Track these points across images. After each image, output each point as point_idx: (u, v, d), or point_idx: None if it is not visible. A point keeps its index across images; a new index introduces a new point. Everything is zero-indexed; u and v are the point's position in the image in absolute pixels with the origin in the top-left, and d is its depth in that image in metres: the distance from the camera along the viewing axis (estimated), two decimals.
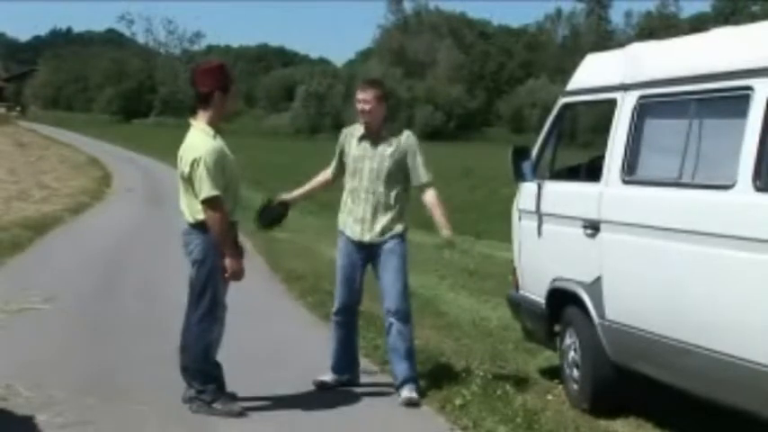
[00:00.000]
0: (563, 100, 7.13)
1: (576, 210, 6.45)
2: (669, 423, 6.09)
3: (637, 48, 6.45)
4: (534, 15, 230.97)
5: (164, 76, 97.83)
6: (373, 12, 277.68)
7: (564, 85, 7.24)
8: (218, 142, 6.14)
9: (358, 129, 6.72)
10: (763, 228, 4.82)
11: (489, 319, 9.46)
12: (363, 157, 6.61)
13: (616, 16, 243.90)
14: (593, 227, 6.21)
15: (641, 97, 6.06)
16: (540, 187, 6.90)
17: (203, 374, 6.14)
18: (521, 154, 7.03)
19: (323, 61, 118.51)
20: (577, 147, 34.00)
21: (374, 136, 6.62)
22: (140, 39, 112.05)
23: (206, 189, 5.98)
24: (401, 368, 6.57)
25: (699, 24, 63.58)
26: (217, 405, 6.09)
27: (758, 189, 4.92)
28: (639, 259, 5.81)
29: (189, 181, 6.07)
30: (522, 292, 7.34)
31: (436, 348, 7.83)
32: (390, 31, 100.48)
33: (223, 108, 6.26)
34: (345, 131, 6.85)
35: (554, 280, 6.71)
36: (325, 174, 6.93)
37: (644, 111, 6.06)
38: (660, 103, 5.99)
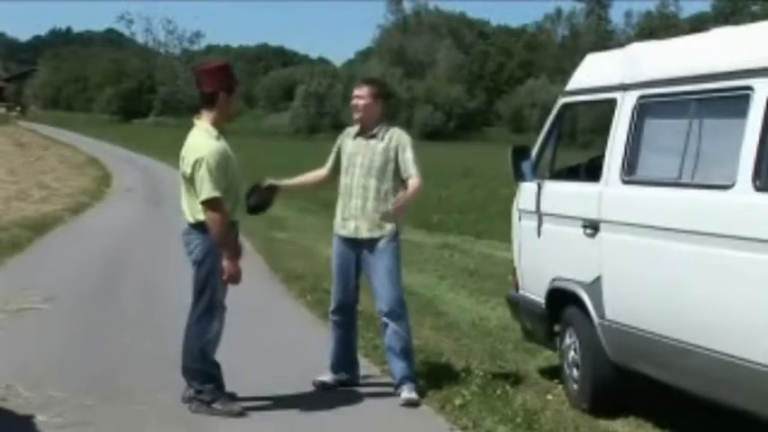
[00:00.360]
0: (563, 100, 7.13)
1: (575, 210, 6.45)
2: (669, 423, 6.08)
3: (636, 48, 6.45)
4: (534, 15, 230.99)
5: (163, 76, 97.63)
6: (373, 12, 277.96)
7: (564, 85, 7.24)
8: (221, 143, 6.14)
9: (355, 128, 6.77)
10: (763, 228, 4.82)
11: (489, 319, 9.45)
12: (356, 154, 6.65)
13: (616, 16, 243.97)
14: (592, 227, 6.21)
15: (641, 97, 6.06)
16: (539, 187, 6.90)
17: (202, 374, 6.14)
18: (520, 154, 7.03)
19: (322, 61, 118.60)
20: (577, 147, 33.98)
21: (367, 133, 6.66)
22: (140, 39, 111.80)
23: (206, 190, 5.98)
24: (399, 367, 6.58)
25: (699, 24, 63.54)
26: (216, 405, 6.09)
27: (758, 189, 4.92)
28: (639, 259, 5.81)
29: (191, 181, 6.07)
30: (521, 292, 7.33)
31: (436, 348, 7.83)
32: (390, 31, 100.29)
33: (227, 109, 6.26)
34: (345, 131, 6.90)
35: (554, 280, 6.71)
36: (320, 170, 6.96)
37: (644, 111, 6.05)
38: (660, 103, 5.98)
